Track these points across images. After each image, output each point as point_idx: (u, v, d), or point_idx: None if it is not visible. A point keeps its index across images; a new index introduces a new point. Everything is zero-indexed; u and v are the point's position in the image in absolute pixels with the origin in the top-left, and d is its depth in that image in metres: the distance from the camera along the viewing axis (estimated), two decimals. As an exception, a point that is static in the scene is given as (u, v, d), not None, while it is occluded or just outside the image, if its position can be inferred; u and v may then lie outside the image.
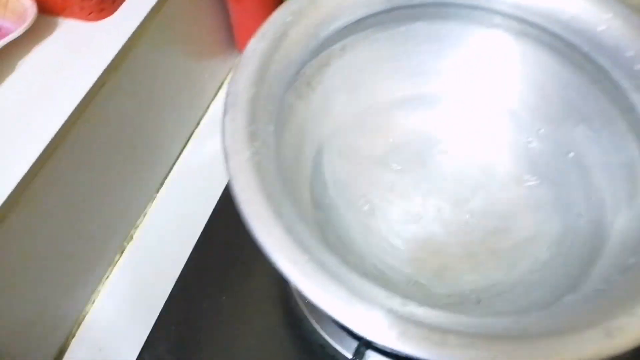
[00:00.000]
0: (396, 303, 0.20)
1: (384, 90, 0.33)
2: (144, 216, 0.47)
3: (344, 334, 0.32)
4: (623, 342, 0.19)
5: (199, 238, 0.42)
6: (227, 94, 0.24)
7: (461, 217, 0.31)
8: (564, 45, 0.29)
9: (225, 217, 0.43)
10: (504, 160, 0.32)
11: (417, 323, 0.19)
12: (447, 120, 0.34)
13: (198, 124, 0.52)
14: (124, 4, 0.40)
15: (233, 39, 0.54)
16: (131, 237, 0.46)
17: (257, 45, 0.25)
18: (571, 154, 0.31)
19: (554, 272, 0.27)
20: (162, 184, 0.49)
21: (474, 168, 0.32)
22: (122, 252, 0.45)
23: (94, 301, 0.42)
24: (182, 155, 0.50)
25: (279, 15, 0.26)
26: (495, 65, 0.32)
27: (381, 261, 0.30)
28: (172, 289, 0.38)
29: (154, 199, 0.48)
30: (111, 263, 0.44)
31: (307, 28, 0.27)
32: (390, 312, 0.19)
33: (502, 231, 0.30)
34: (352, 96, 0.33)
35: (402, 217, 0.31)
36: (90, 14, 0.37)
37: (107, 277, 0.43)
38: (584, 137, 0.30)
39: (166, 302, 0.37)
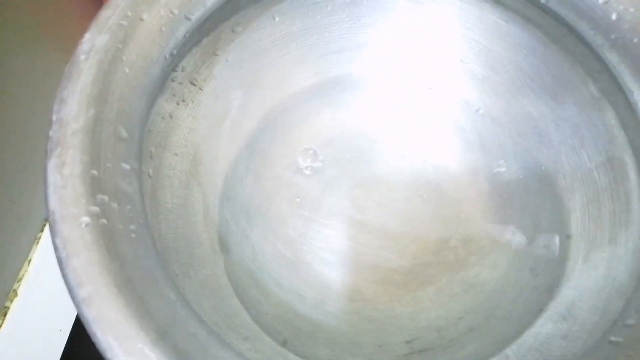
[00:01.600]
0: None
1: (295, 78, 0.26)
2: (29, 263, 0.38)
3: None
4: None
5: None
6: (50, 125, 0.16)
7: (410, 232, 0.24)
8: (513, -3, 0.22)
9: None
10: (454, 151, 0.26)
11: None
12: (377, 108, 0.27)
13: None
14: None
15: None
16: (15, 293, 0.36)
17: (93, 42, 0.17)
18: (532, 134, 0.25)
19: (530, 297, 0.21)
20: (46, 219, 0.39)
21: (420, 165, 0.26)
22: (6, 315, 0.35)
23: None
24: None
25: (123, -6, 0.18)
26: (429, 29, 0.26)
27: (313, 304, 0.23)
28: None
29: (38, 239, 0.38)
30: (-9, 332, 0.35)
31: (170, 7, 0.19)
32: None
33: (461, 242, 0.24)
34: (254, 91, 0.25)
35: (335, 243, 0.24)
36: None
37: (-13, 351, 0.34)
38: (547, 110, 0.24)
39: None
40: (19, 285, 0.37)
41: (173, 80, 0.22)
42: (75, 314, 0.34)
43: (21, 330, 0.35)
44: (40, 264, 0.38)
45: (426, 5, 0.25)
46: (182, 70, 0.22)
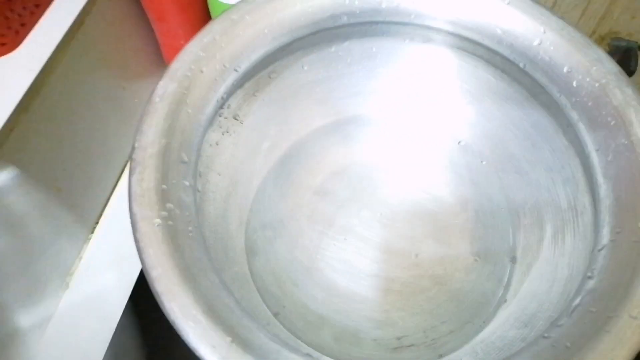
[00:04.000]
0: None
1: (317, 116, 0.31)
2: (80, 260, 0.43)
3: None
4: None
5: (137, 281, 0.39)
6: (133, 150, 0.21)
7: (407, 249, 0.29)
8: (500, 59, 0.27)
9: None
10: (447, 183, 0.31)
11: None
12: (384, 143, 0.32)
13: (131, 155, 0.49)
14: (32, 34, 0.36)
15: (162, 58, 0.50)
16: (67, 285, 0.42)
17: (165, 88, 0.23)
18: (515, 173, 0.29)
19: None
20: (96, 222, 0.45)
21: (418, 193, 0.31)
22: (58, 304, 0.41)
23: (29, 362, 0.38)
24: (115, 192, 0.47)
25: (189, 51, 0.24)
26: (432, 80, 0.31)
27: (323, 303, 0.27)
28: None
29: (88, 240, 0.44)
30: (48, 318, 0.40)
31: (224, 62, 0.24)
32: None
33: (450, 259, 0.29)
34: (284, 125, 0.30)
35: (344, 254, 0.29)
36: (-13, 51, 0.33)
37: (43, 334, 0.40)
38: (527, 153, 0.29)
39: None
40: (71, 278, 0.42)
41: (220, 115, 0.27)
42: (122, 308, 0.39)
43: (69, 318, 0.41)
44: (90, 261, 0.43)
45: (429, 61, 0.30)
46: (228, 107, 0.28)
